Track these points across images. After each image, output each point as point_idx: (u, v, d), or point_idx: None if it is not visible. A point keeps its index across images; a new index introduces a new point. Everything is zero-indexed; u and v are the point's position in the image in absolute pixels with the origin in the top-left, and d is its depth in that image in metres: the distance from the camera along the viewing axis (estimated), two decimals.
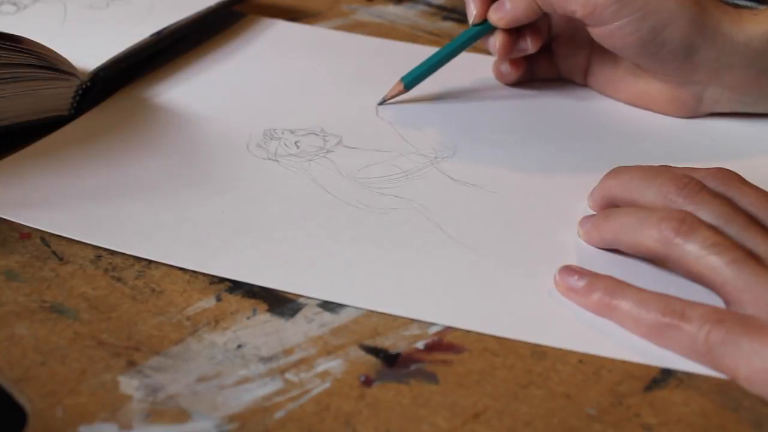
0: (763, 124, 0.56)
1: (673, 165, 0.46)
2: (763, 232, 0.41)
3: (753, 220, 0.41)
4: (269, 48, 0.66)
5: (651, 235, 0.41)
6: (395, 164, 0.52)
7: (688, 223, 0.40)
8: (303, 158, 0.53)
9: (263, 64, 0.64)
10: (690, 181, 0.43)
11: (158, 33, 0.62)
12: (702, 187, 0.42)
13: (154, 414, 0.36)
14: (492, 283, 0.43)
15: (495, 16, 0.57)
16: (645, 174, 0.44)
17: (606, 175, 0.47)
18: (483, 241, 0.46)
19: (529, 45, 0.58)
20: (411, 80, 0.58)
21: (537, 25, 0.58)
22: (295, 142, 0.54)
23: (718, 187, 0.43)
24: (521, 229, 0.47)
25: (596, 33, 0.55)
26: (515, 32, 0.57)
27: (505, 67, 0.60)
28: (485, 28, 0.58)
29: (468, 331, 0.40)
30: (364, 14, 0.73)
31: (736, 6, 0.55)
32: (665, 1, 0.52)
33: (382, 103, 0.58)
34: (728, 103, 0.56)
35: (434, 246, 0.46)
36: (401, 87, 0.58)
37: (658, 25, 0.52)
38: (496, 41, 0.57)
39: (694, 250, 0.40)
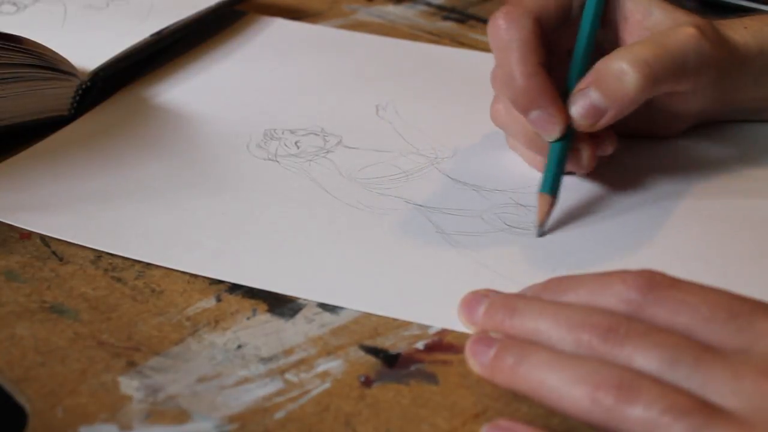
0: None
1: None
2: (719, 359, 0.32)
3: (701, 347, 0.33)
4: (269, 47, 0.66)
5: (581, 400, 0.32)
6: (395, 164, 0.52)
7: (627, 385, 0.31)
8: (303, 158, 0.53)
9: (263, 63, 0.64)
10: (612, 323, 0.34)
11: (158, 33, 0.62)
12: (629, 328, 0.33)
13: (154, 414, 0.36)
14: (492, 286, 0.43)
15: (587, 121, 0.46)
16: (555, 316, 0.35)
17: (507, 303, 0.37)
18: (483, 242, 0.46)
19: (610, 144, 0.50)
20: (553, 187, 0.47)
21: None
22: (295, 143, 0.54)
23: (645, 308, 0.34)
24: (522, 230, 0.47)
25: (676, 98, 0.50)
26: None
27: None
28: (569, 138, 0.48)
29: (467, 332, 0.40)
30: (364, 14, 0.73)
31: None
32: (726, 51, 0.50)
33: (542, 233, 0.47)
34: (722, 117, 0.55)
35: (434, 247, 0.46)
36: (550, 199, 0.47)
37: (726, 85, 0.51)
38: (586, 153, 0.49)
39: (640, 417, 0.31)
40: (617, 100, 0.46)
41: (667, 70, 0.47)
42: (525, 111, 0.47)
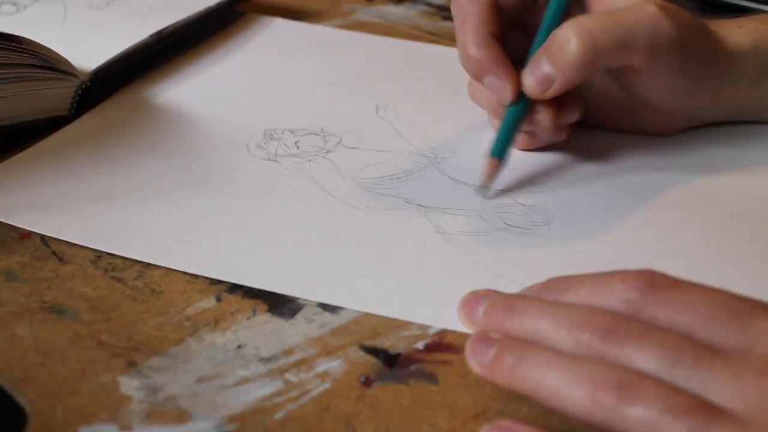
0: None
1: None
2: (719, 359, 0.32)
3: (701, 347, 0.32)
4: (269, 47, 0.67)
5: (581, 400, 0.32)
6: (395, 164, 0.52)
7: (627, 384, 0.31)
8: (303, 158, 0.53)
9: (263, 63, 0.64)
10: (612, 323, 0.33)
11: (158, 33, 0.62)
12: (629, 328, 0.33)
13: (154, 414, 0.36)
14: (492, 286, 0.43)
15: (537, 88, 0.48)
16: (555, 316, 0.35)
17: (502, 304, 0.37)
18: (483, 242, 0.46)
19: (575, 110, 0.51)
20: (502, 151, 0.49)
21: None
22: (295, 143, 0.54)
23: (645, 308, 0.34)
24: (522, 230, 0.47)
25: (639, 79, 0.50)
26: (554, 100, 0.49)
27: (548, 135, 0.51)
28: (524, 105, 0.49)
29: (467, 332, 0.40)
30: (364, 14, 0.73)
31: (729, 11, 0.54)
32: (699, 39, 0.49)
33: (485, 194, 0.49)
34: (719, 118, 0.55)
35: (434, 247, 0.46)
36: (496, 161, 0.49)
37: (699, 67, 0.50)
38: (545, 117, 0.49)
39: (640, 417, 0.31)
40: (561, 68, 0.47)
41: (613, 42, 0.47)
42: (478, 78, 0.49)
